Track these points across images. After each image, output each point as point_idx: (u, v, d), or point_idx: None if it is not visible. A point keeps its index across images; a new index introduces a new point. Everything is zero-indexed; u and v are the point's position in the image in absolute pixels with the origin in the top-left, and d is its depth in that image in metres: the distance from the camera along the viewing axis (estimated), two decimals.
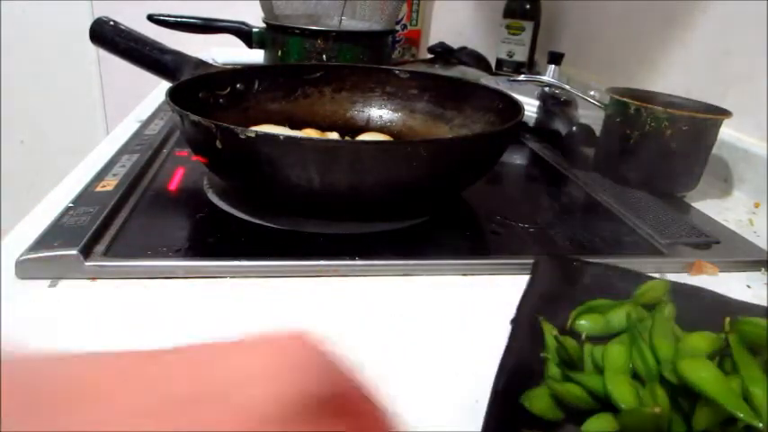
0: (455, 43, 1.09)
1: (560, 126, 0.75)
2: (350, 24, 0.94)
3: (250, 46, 0.92)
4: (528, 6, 1.14)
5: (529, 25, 1.14)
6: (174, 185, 0.54)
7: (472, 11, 1.36)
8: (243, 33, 0.91)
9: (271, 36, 0.89)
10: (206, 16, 0.90)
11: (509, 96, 0.57)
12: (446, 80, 0.68)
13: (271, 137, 0.41)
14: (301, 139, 0.43)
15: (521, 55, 1.16)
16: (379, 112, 0.67)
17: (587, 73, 1.01)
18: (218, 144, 0.42)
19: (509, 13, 1.16)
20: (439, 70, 1.01)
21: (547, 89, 0.80)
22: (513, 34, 1.15)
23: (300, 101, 0.66)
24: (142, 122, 0.72)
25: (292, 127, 0.61)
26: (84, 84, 1.31)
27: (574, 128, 0.71)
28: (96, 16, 0.61)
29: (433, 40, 1.19)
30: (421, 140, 0.52)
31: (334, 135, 0.62)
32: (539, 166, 0.69)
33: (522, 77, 0.85)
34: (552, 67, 0.87)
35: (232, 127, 0.41)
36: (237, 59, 0.98)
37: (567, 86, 0.76)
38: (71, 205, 0.46)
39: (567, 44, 1.10)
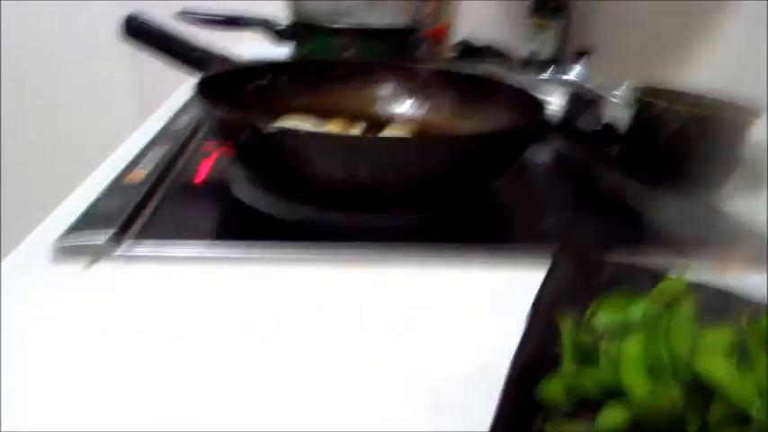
0: (480, 41, 1.09)
1: (585, 125, 0.74)
2: (375, 22, 0.94)
3: (276, 43, 0.93)
4: (554, 4, 1.13)
5: (555, 23, 1.13)
6: (201, 177, 0.55)
7: (497, 8, 1.35)
8: (269, 30, 0.92)
9: (297, 33, 0.90)
10: (232, 14, 0.92)
11: (532, 95, 0.57)
12: (470, 78, 0.68)
13: (293, 132, 0.42)
14: (323, 134, 0.44)
15: (546, 53, 1.15)
16: (403, 108, 0.68)
17: (615, 71, 1.00)
18: (244, 137, 0.44)
19: (535, 10, 1.15)
20: (463, 68, 1.01)
21: (572, 88, 0.80)
22: (539, 32, 1.15)
23: (325, 97, 0.67)
24: (171, 116, 0.73)
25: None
26: (116, 78, 1.34)
27: (599, 126, 0.71)
28: (127, 13, 0.63)
29: (458, 37, 1.19)
30: (443, 136, 0.53)
31: (357, 130, 0.63)
32: (563, 164, 0.69)
33: (546, 76, 0.85)
34: (578, 65, 0.86)
35: (257, 121, 0.42)
36: (263, 55, 0.99)
37: (592, 85, 0.75)
38: (102, 195, 0.47)
39: (594, 41, 1.09)
